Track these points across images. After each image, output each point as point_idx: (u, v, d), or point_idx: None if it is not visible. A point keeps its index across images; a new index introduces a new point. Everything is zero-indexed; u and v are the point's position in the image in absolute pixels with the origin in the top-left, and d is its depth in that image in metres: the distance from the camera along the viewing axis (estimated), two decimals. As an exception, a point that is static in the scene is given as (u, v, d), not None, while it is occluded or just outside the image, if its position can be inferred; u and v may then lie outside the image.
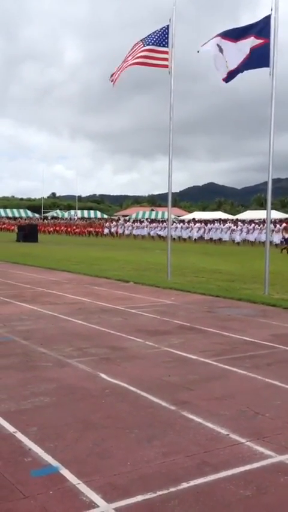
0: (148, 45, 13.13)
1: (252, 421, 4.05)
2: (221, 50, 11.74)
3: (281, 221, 37.51)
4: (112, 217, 66.12)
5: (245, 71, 11.62)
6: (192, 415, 4.11)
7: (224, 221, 41.52)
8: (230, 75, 11.73)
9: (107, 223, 48.83)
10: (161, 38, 13.17)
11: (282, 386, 4.94)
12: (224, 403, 4.42)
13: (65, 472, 3.13)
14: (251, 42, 11.18)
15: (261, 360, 5.90)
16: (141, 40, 13.26)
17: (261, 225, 33.99)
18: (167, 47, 13.25)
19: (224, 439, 3.68)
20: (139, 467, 3.22)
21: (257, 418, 4.11)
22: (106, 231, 46.76)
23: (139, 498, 2.85)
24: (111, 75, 13.91)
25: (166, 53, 13.29)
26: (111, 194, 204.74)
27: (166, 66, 13.37)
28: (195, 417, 4.07)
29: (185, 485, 3.00)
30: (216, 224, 39.40)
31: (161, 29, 13.27)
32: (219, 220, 42.03)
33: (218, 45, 11.78)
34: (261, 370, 5.45)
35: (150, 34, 13.25)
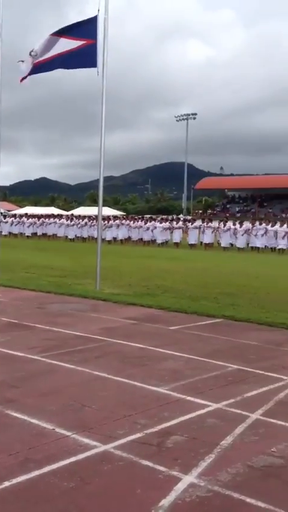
0: None
1: (79, 414, 4.11)
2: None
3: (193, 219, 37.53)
4: None
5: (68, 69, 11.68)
6: (17, 413, 4.03)
7: (60, 216, 41.38)
8: (34, 69, 11.70)
9: None
10: None
11: (109, 378, 5.07)
12: (51, 398, 4.42)
13: None
14: (71, 43, 11.26)
15: (90, 354, 6.00)
16: None
17: (93, 221, 34.49)
18: None
19: (49, 434, 3.68)
20: None
21: (84, 410, 4.18)
22: None
23: None
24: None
25: None
26: None
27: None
28: (20, 415, 4.01)
29: (6, 484, 2.94)
30: (51, 219, 39.11)
31: None
32: (54, 216, 41.80)
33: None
34: (90, 364, 5.54)
35: None
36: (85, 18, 11.54)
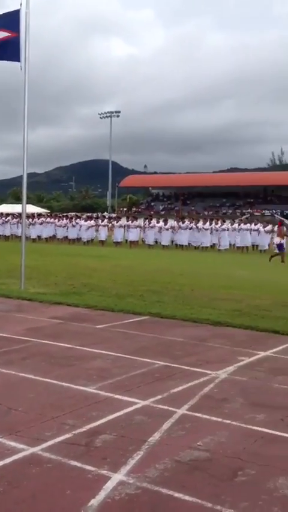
0: None
1: (5, 417, 4.04)
2: None
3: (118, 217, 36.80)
4: None
5: None
6: None
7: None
8: None
9: None
10: None
11: (36, 379, 5.01)
12: (-24, 403, 4.31)
13: None
14: None
15: (15, 355, 5.90)
16: None
17: (18, 219, 33.77)
18: None
19: (-25, 440, 3.59)
20: None
21: (10, 413, 4.11)
22: None
23: None
24: None
25: None
26: None
27: None
28: None
29: None
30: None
31: None
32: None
33: None
34: (16, 365, 5.46)
35: None
36: (6, 10, 11.23)
